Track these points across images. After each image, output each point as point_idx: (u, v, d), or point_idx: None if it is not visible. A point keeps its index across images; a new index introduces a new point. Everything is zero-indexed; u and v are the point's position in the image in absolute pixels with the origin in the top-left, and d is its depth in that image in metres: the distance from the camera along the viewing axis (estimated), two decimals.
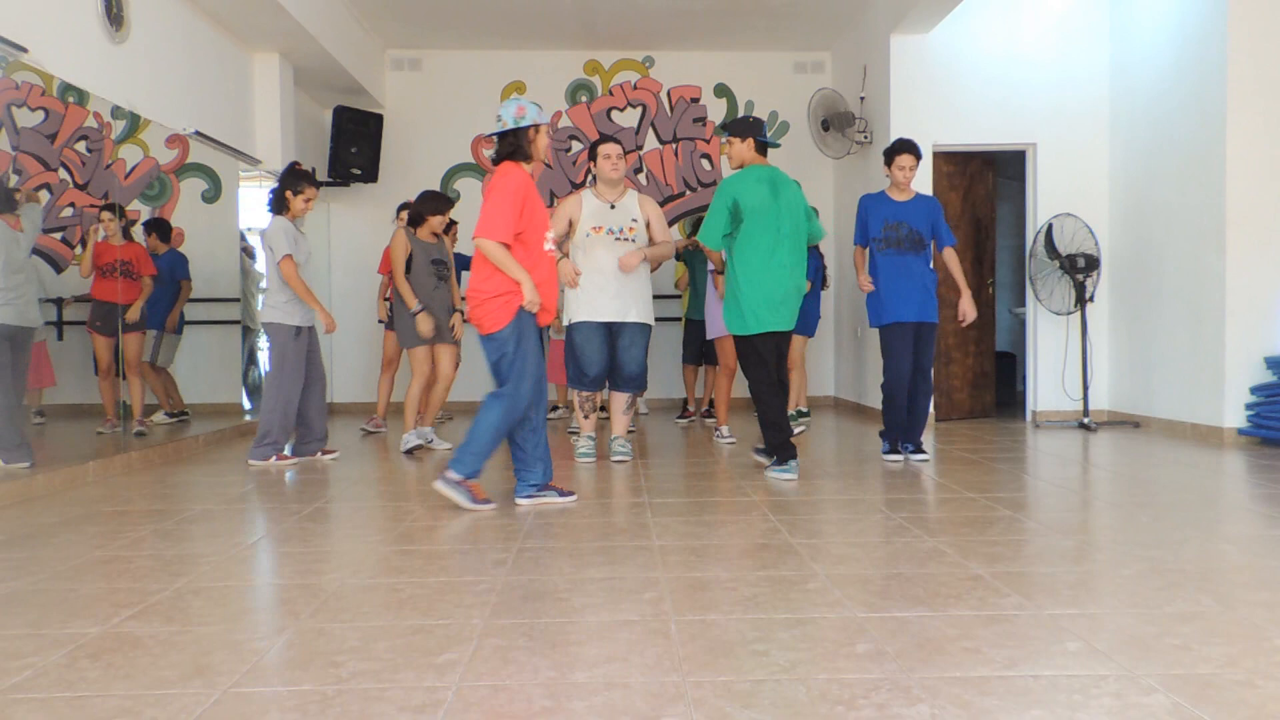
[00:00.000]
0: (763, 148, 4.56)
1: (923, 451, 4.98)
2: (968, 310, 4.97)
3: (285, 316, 4.95)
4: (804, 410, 7.10)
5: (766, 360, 4.46)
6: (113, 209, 5.14)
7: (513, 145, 3.71)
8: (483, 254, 3.64)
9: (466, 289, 3.76)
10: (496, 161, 3.76)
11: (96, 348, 5.07)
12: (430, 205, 5.46)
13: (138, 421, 5.38)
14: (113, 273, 5.08)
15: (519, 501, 3.80)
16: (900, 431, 5.00)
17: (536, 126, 3.71)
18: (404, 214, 6.43)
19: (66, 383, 4.95)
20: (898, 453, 4.96)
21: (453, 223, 7.07)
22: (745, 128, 4.53)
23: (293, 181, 4.99)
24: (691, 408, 7.29)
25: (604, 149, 4.86)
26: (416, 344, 5.46)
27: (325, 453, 5.21)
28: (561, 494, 3.85)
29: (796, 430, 6.34)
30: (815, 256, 6.85)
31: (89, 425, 5.10)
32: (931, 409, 6.67)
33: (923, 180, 6.77)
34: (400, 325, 5.53)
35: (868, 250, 5.07)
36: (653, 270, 5.07)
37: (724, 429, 5.94)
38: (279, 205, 5.00)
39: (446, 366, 5.56)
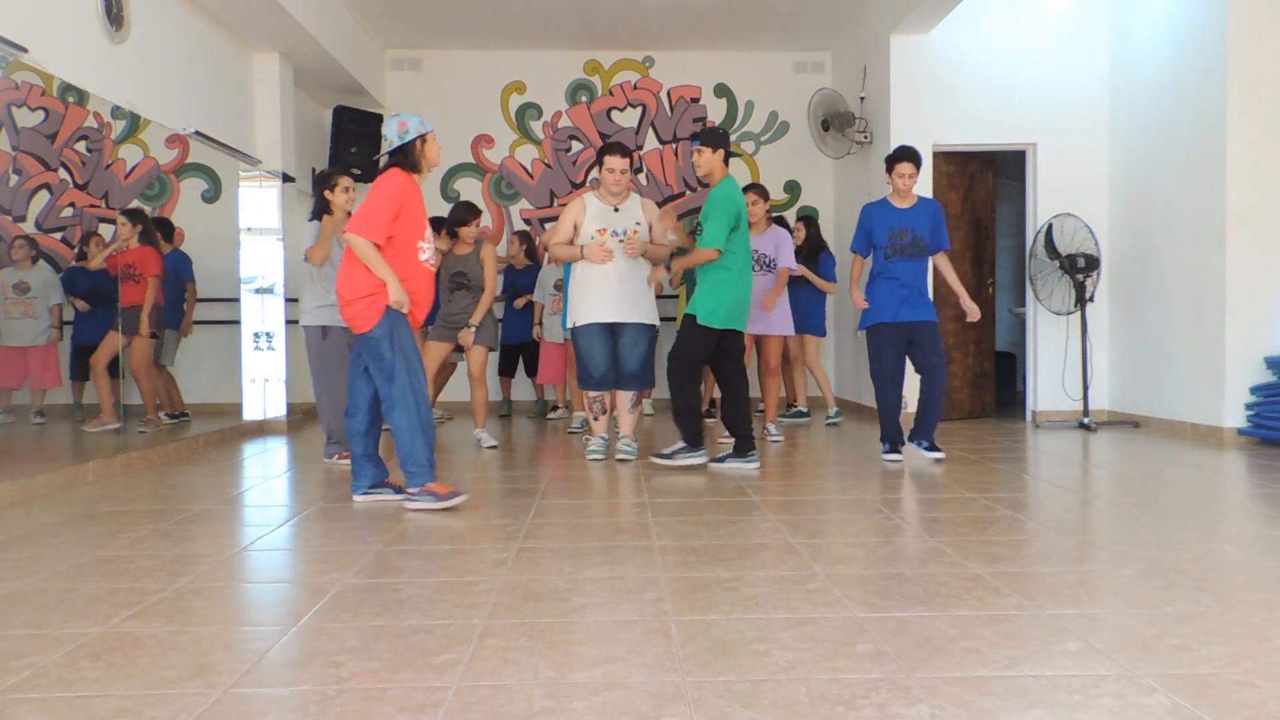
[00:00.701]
0: (728, 159, 4.76)
1: (937, 450, 4.92)
2: (971, 307, 4.92)
3: (312, 319, 5.00)
4: (804, 410, 7.12)
5: (709, 355, 4.71)
6: (134, 214, 5.19)
7: (400, 158, 3.79)
8: (351, 254, 3.71)
9: (335, 287, 3.85)
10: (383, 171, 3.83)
11: (102, 348, 5.10)
12: (455, 215, 5.56)
13: (144, 420, 5.40)
14: (120, 278, 5.12)
15: (356, 499, 3.89)
16: (897, 432, 4.99)
17: (422, 138, 3.79)
18: None
19: (67, 383, 4.95)
20: (897, 453, 4.95)
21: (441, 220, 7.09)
22: (717, 139, 4.71)
23: (324, 180, 5.03)
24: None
25: (609, 161, 4.91)
26: (433, 339, 5.58)
27: (343, 457, 5.18)
28: (397, 491, 3.93)
29: (799, 421, 6.34)
30: (829, 257, 6.90)
31: (85, 427, 5.10)
32: None
33: (923, 181, 6.76)
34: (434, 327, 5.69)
35: (866, 260, 5.11)
36: (655, 266, 5.09)
37: (770, 426, 5.95)
38: (320, 209, 5.00)
39: (475, 367, 5.65)
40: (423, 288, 3.85)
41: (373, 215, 3.64)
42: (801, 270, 6.68)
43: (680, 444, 4.72)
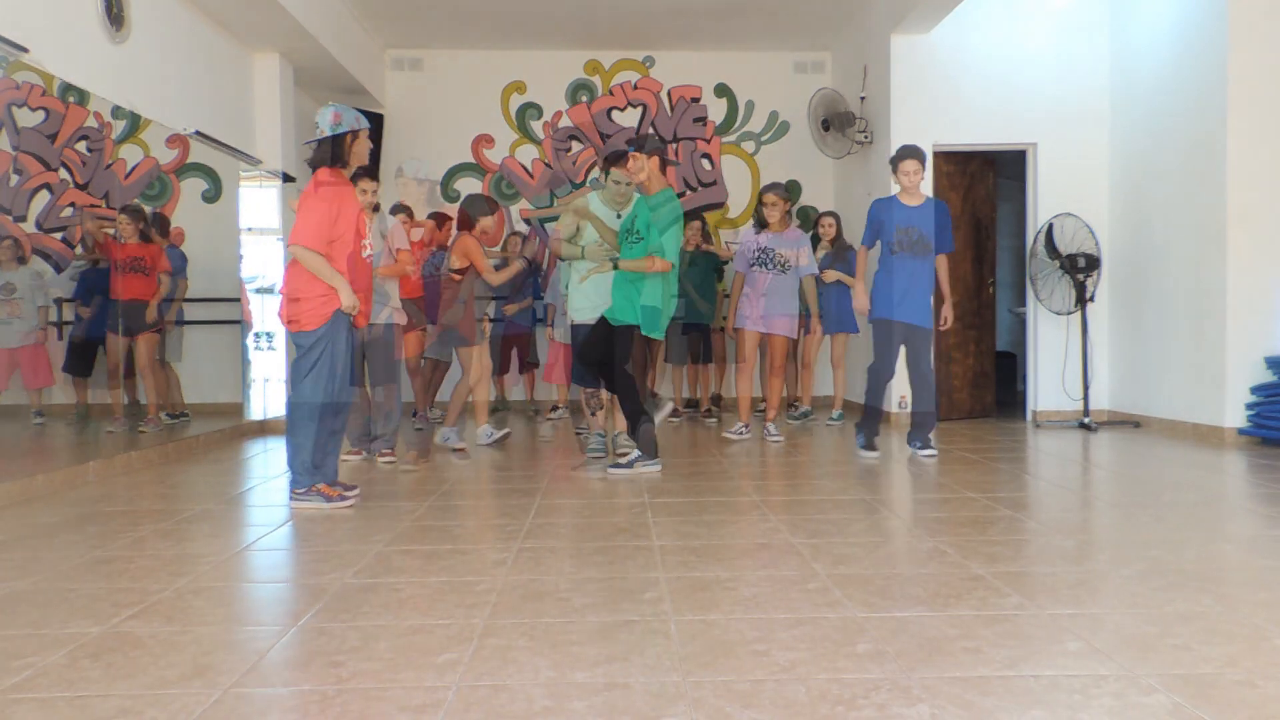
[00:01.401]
0: (664, 167, 4.69)
1: (930, 448, 5.05)
2: (948, 316, 5.10)
3: None
4: (808, 410, 7.11)
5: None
6: (134, 212, 5.20)
7: (329, 152, 3.79)
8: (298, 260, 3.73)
9: (283, 287, 3.85)
10: (313, 168, 3.83)
11: (110, 346, 5.10)
12: (477, 208, 5.48)
13: (145, 420, 5.40)
14: (125, 270, 5.12)
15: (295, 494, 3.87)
16: (874, 425, 5.13)
17: (354, 133, 3.81)
18: (401, 215, 6.45)
19: (66, 383, 4.95)
20: (874, 449, 5.07)
21: (446, 218, 7.07)
22: (654, 146, 4.63)
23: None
24: (680, 407, 7.31)
25: (616, 173, 4.92)
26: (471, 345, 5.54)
27: (353, 453, 5.16)
28: (346, 489, 3.93)
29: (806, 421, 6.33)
30: (852, 257, 6.89)
31: (89, 425, 5.09)
32: None
33: (924, 181, 6.75)
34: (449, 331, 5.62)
35: (873, 252, 5.18)
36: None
37: (770, 426, 5.95)
38: None
39: (487, 362, 5.66)
40: (366, 284, 3.90)
41: (315, 224, 3.67)
42: (838, 276, 6.67)
43: (636, 453, 4.66)
